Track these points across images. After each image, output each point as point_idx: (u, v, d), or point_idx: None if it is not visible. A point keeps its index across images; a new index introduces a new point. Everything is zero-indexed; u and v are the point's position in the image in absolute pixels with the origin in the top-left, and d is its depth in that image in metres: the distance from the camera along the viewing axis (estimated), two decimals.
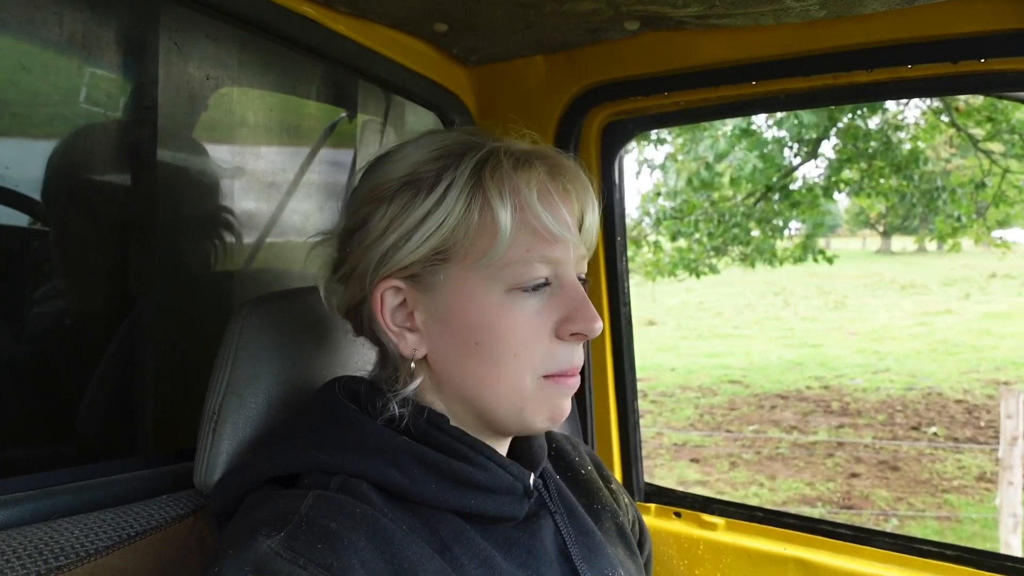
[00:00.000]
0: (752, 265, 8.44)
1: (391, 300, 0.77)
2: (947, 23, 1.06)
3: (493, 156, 0.77)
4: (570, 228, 0.78)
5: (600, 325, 0.77)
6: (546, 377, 0.78)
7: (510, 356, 0.76)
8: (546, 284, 0.77)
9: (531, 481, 0.81)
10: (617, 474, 1.54)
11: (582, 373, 0.93)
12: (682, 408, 9.09)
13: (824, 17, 1.10)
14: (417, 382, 0.78)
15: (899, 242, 29.15)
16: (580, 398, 1.51)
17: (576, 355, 0.79)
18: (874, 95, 1.17)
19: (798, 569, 1.34)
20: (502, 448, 0.84)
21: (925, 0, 1.04)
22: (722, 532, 1.48)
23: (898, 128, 7.26)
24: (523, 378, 0.76)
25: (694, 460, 7.39)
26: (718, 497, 1.51)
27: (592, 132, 1.42)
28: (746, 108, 1.31)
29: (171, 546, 0.82)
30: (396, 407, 0.76)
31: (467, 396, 0.79)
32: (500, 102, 1.46)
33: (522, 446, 0.88)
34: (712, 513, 1.51)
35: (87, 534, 0.76)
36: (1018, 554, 4.58)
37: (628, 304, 1.51)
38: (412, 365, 0.78)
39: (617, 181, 1.45)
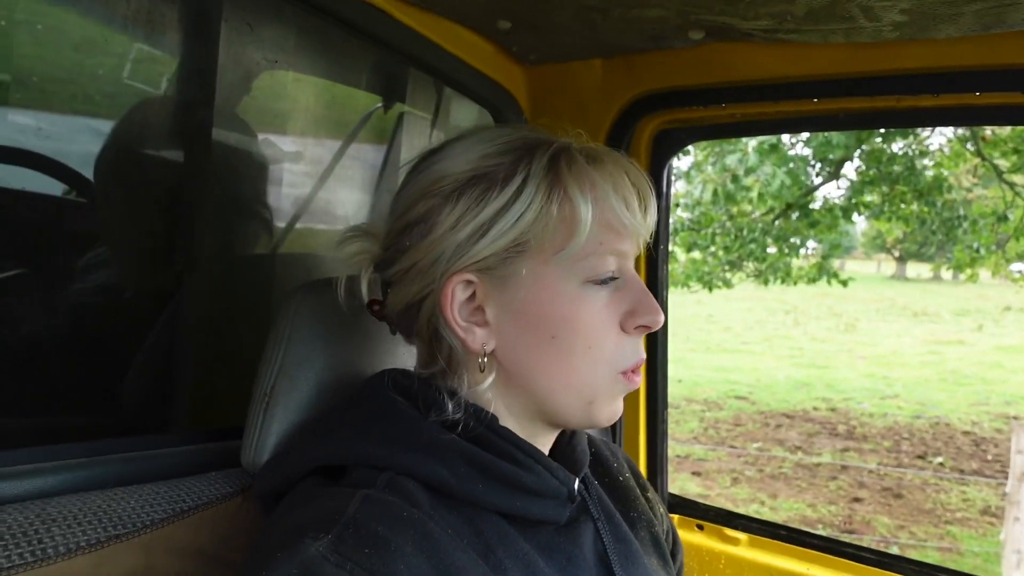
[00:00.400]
0: (765, 283, 8.40)
1: (460, 295, 0.76)
2: (1020, 52, 1.05)
3: (566, 151, 0.77)
4: (641, 222, 0.79)
5: (663, 318, 0.79)
6: (621, 373, 0.79)
7: (585, 349, 0.76)
8: (614, 278, 0.78)
9: (575, 486, 0.81)
10: None
11: None
12: (687, 420, 9.05)
13: (895, 39, 1.09)
14: (491, 378, 0.77)
15: (914, 268, 28.95)
16: None
17: (641, 348, 0.81)
18: (937, 120, 1.16)
19: None
20: (546, 451, 0.84)
21: (999, 28, 1.03)
22: (744, 548, 1.47)
23: (923, 154, 7.20)
24: (596, 371, 0.77)
25: (696, 473, 7.35)
26: (742, 512, 1.50)
27: (644, 138, 1.42)
28: (803, 125, 1.30)
29: (224, 522, 0.83)
30: (452, 405, 0.75)
31: (534, 389, 0.78)
32: (554, 102, 1.45)
33: (565, 450, 0.87)
34: (735, 528, 1.50)
35: (143, 505, 0.76)
36: None
37: (666, 313, 1.51)
38: (483, 360, 0.77)
39: (665, 189, 1.44)
